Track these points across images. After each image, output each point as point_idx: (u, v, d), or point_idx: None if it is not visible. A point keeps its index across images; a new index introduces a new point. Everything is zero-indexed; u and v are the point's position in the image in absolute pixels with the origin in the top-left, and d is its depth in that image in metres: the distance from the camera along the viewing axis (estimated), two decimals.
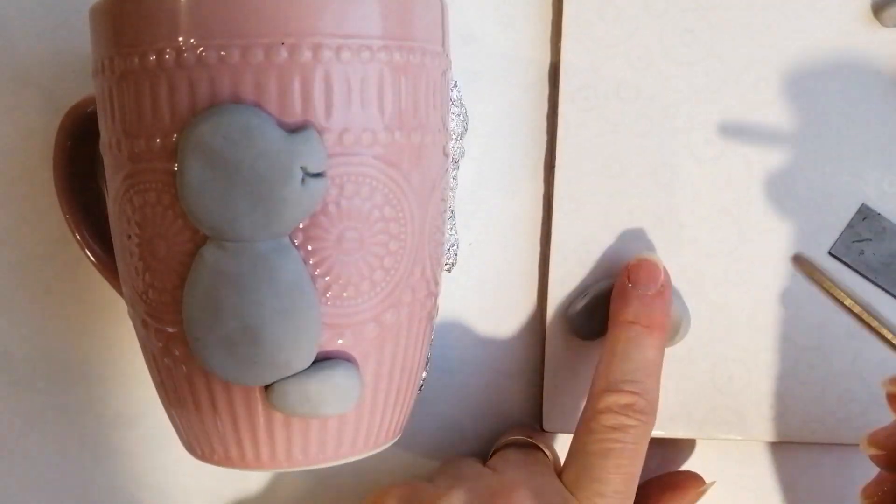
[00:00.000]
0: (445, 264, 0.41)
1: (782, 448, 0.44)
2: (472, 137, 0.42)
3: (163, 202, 0.31)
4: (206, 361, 0.31)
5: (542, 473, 0.38)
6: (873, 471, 0.37)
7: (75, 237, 0.40)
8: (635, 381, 0.37)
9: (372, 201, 0.31)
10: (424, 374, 0.41)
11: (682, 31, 0.41)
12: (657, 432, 0.42)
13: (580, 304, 0.41)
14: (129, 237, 0.33)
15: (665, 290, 0.39)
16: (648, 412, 0.37)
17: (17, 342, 0.43)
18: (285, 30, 0.30)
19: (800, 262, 0.40)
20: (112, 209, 0.34)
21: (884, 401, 0.35)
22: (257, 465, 0.33)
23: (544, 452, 0.40)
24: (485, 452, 0.43)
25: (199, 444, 0.34)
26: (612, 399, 0.37)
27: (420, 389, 0.40)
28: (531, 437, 0.41)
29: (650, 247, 0.42)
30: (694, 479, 0.42)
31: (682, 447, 0.44)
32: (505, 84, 0.43)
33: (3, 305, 0.43)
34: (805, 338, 0.42)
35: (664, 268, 0.40)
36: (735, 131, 0.42)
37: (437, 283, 0.35)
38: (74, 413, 0.44)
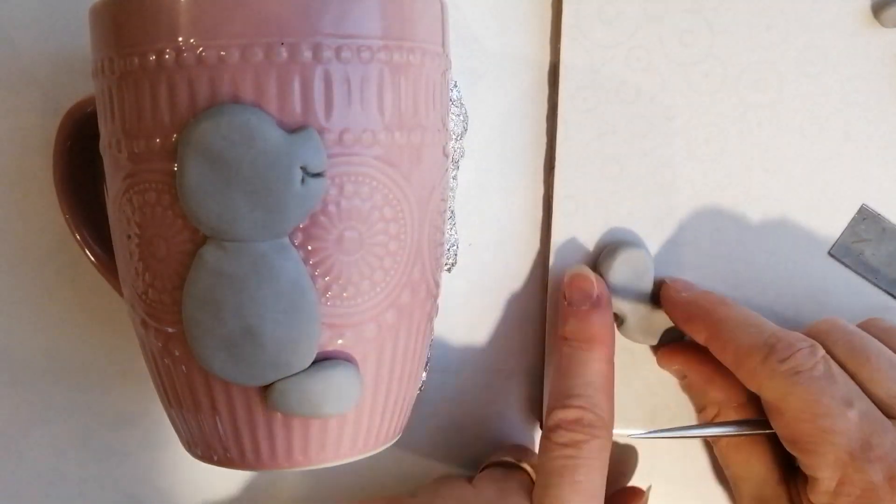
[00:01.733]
0: (445, 264, 0.41)
1: None
2: (471, 137, 0.42)
3: (162, 202, 0.31)
4: (205, 361, 0.31)
5: (514, 493, 0.38)
6: None
7: (75, 237, 0.40)
8: (581, 396, 0.37)
9: (372, 201, 0.31)
10: (424, 374, 0.41)
11: (681, 32, 0.41)
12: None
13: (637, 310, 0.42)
14: (129, 237, 0.33)
15: (600, 302, 0.39)
16: (598, 426, 0.36)
17: (17, 342, 0.43)
18: (285, 30, 0.30)
19: None
20: (112, 209, 0.33)
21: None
22: (257, 465, 0.33)
23: (527, 473, 0.40)
24: (484, 454, 0.43)
25: (199, 444, 0.34)
26: (560, 415, 0.37)
27: (420, 389, 0.40)
28: (518, 459, 0.41)
29: (650, 247, 0.42)
30: (635, 494, 0.42)
31: (683, 445, 0.44)
32: (505, 84, 0.43)
33: (3, 305, 0.43)
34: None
35: (597, 280, 0.40)
36: (734, 132, 0.42)
37: (436, 284, 0.35)
38: (74, 413, 0.44)
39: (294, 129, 0.30)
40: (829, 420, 0.34)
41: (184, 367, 0.33)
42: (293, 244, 0.31)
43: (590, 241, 0.42)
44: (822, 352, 0.36)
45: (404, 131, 0.32)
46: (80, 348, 0.44)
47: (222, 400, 0.32)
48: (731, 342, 0.37)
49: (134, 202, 0.32)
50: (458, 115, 0.41)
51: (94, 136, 0.34)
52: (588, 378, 0.38)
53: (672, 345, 0.42)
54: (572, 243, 0.42)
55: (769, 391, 0.36)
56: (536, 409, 0.44)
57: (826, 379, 0.35)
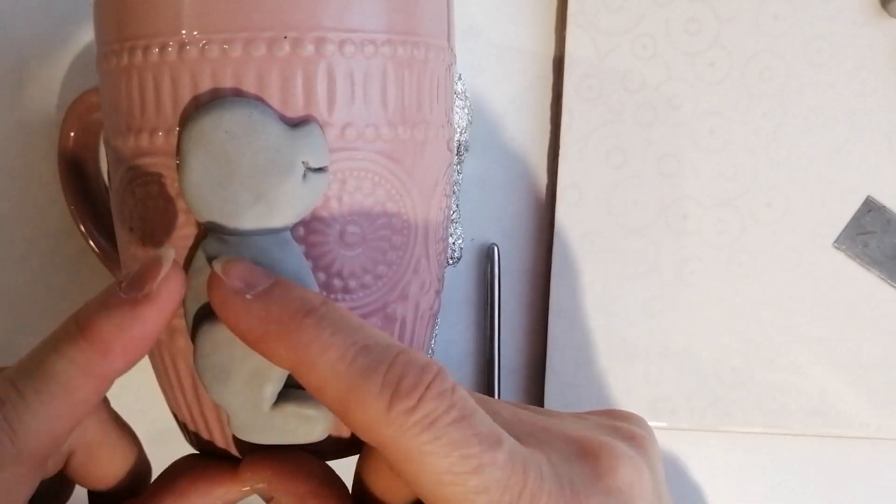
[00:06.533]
0: (449, 259, 0.41)
1: (783, 440, 0.44)
2: (476, 130, 0.42)
3: (164, 195, 0.31)
4: None
5: None
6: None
7: (79, 229, 0.40)
8: None
9: (374, 196, 0.31)
10: None
11: (687, 20, 0.41)
12: (660, 423, 0.43)
13: None
14: (131, 230, 0.32)
15: None
16: None
17: (18, 338, 0.43)
18: (288, 23, 0.29)
19: None
20: (114, 202, 0.33)
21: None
22: None
23: None
24: None
25: (202, 439, 0.34)
26: None
27: None
28: None
29: (653, 237, 0.42)
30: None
31: (685, 439, 0.44)
32: (509, 75, 0.42)
33: (5, 300, 0.43)
34: (807, 330, 0.42)
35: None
36: (740, 122, 0.41)
37: (439, 279, 0.35)
38: None
39: (296, 124, 0.30)
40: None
41: (186, 359, 0.33)
42: (295, 238, 0.30)
43: (593, 230, 0.42)
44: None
45: (408, 126, 0.32)
46: None
47: None
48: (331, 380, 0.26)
49: (136, 194, 0.32)
50: (463, 108, 0.40)
51: (98, 128, 0.34)
52: None
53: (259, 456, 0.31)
54: (576, 233, 0.42)
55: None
56: (538, 405, 0.44)
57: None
